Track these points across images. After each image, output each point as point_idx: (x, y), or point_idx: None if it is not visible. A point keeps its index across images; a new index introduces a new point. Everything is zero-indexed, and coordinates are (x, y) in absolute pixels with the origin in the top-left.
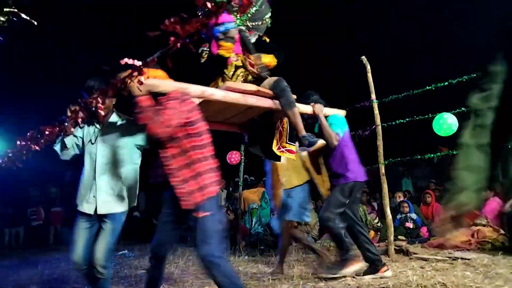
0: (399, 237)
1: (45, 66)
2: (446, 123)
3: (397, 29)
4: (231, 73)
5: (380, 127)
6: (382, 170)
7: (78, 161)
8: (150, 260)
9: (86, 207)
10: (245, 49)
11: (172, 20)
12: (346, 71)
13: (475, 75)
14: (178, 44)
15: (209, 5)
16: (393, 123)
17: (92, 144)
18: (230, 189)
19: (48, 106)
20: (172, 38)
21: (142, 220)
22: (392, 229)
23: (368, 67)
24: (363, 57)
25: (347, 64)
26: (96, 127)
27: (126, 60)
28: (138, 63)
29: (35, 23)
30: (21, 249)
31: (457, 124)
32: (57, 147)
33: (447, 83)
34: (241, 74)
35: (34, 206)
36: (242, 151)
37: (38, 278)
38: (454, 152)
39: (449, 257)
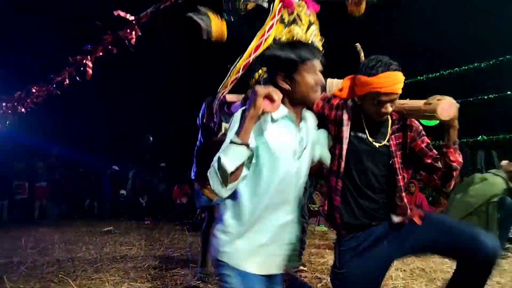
0: None
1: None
2: None
3: (393, 19)
4: (305, 28)
5: None
6: None
7: (63, 136)
8: None
9: None
10: None
11: None
12: (338, 55)
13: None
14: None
15: None
16: None
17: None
18: None
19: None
20: None
21: (128, 199)
22: None
23: (362, 54)
24: (357, 44)
25: (339, 48)
26: None
27: (119, 12)
28: (131, 17)
29: None
30: (4, 223)
31: None
32: None
33: (438, 74)
34: (315, 32)
35: (19, 180)
36: None
37: (21, 250)
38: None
39: None
